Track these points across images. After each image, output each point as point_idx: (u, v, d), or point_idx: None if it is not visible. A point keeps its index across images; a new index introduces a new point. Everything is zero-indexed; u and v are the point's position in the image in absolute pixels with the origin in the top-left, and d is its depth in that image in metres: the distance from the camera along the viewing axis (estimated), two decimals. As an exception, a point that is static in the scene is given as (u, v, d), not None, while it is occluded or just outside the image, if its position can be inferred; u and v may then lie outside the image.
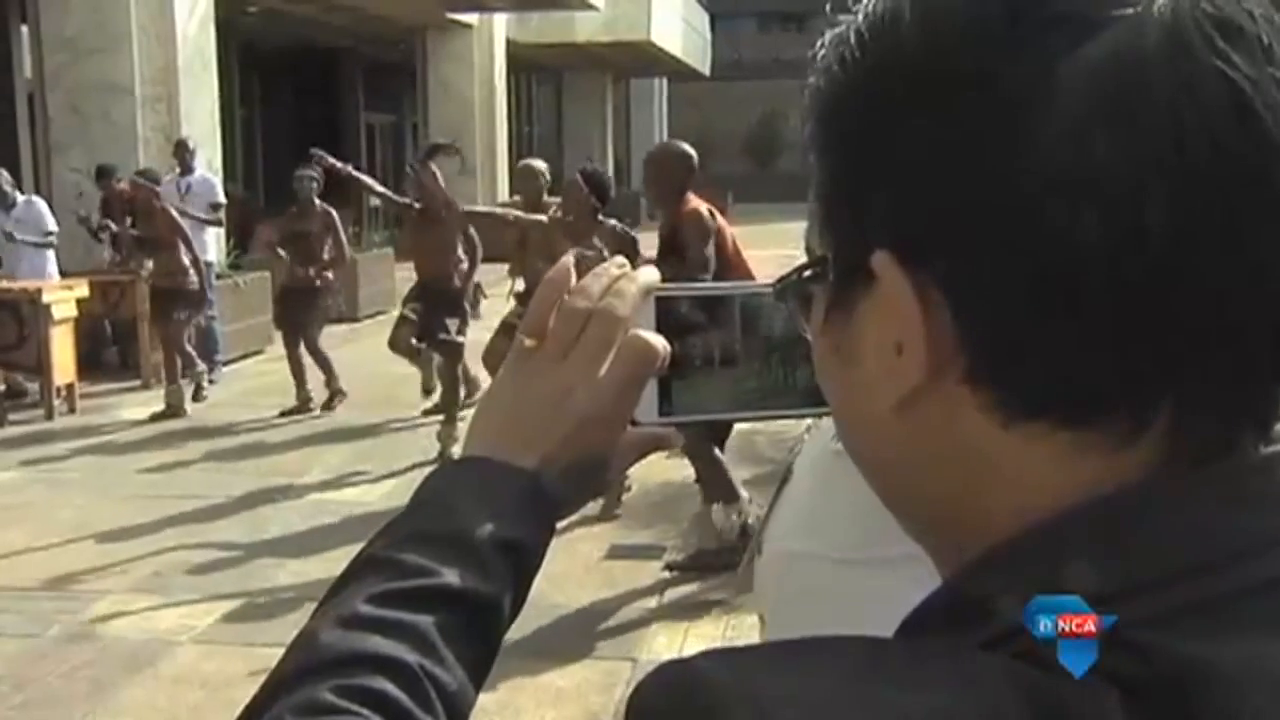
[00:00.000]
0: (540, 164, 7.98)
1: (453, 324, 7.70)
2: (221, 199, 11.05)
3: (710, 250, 5.44)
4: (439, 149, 8.36)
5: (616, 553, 5.79)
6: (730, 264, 5.47)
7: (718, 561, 5.28)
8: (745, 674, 0.49)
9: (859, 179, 0.54)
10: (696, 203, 5.63)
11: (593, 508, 6.40)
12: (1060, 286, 0.48)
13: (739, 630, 4.88)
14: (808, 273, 0.59)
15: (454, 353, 7.79)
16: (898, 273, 0.51)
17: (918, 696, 0.47)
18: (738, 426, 8.52)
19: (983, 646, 0.49)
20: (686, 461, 7.53)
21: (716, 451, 5.58)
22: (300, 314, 9.01)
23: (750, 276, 5.21)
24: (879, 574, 1.05)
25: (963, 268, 0.50)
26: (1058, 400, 0.50)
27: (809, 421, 1.39)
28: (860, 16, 0.54)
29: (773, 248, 24.29)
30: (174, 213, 9.36)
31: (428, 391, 8.64)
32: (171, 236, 9.16)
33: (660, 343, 0.74)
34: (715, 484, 5.47)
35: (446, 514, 0.71)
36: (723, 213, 6.00)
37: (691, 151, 5.78)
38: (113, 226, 10.28)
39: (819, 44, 0.57)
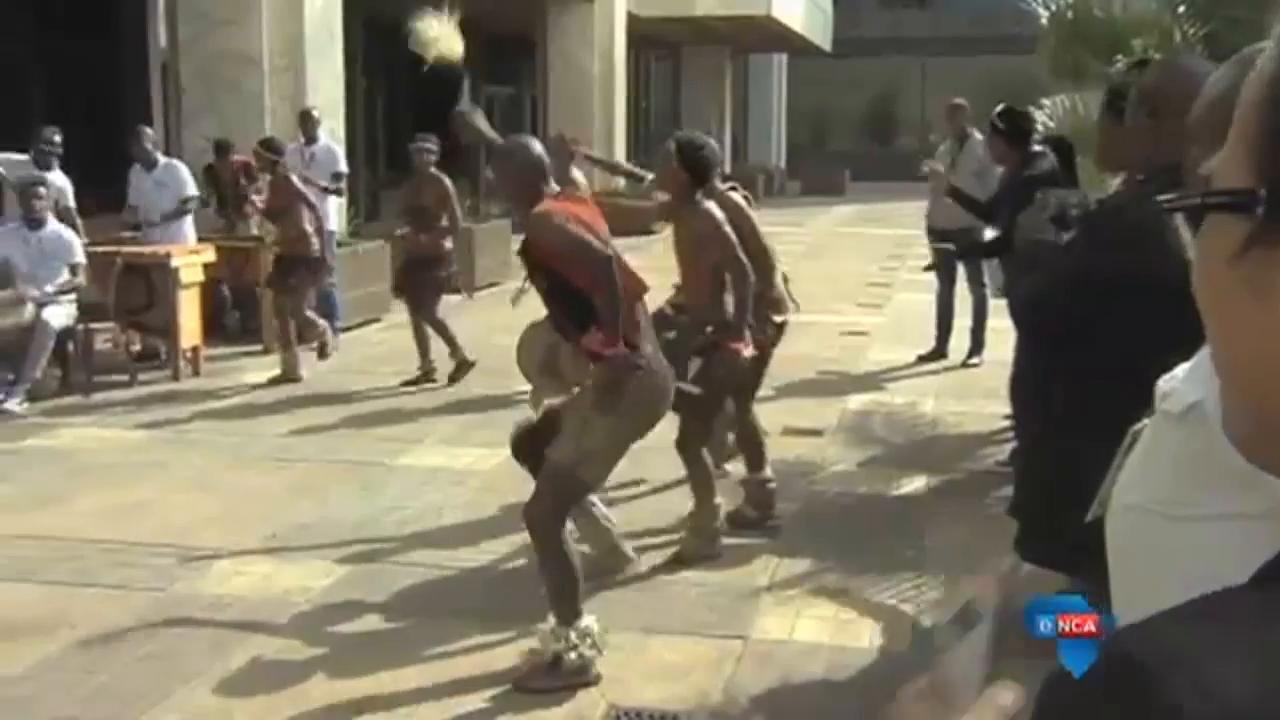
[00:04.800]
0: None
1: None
2: (344, 168, 11.24)
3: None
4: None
5: (727, 530, 5.74)
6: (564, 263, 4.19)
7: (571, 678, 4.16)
8: (1171, 648, 0.53)
9: None
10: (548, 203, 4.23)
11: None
12: None
13: (851, 610, 4.83)
14: (1216, 199, 0.61)
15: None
16: None
17: None
18: (851, 407, 8.46)
19: None
20: (794, 441, 7.50)
21: None
22: (421, 283, 9.10)
23: (620, 286, 4.11)
24: (1193, 530, 1.12)
25: None
26: None
27: (1163, 388, 1.48)
28: None
29: (891, 227, 23.83)
30: (295, 180, 9.53)
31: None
32: (291, 203, 9.31)
33: None
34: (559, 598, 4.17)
35: None
36: (746, 201, 5.77)
37: (536, 150, 4.38)
38: (249, 195, 10.65)
39: None
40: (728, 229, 5.31)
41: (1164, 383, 1.38)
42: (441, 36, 5.90)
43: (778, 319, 6.01)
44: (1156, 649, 0.53)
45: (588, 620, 4.17)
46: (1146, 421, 1.49)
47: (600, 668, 4.24)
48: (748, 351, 5.39)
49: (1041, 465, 3.11)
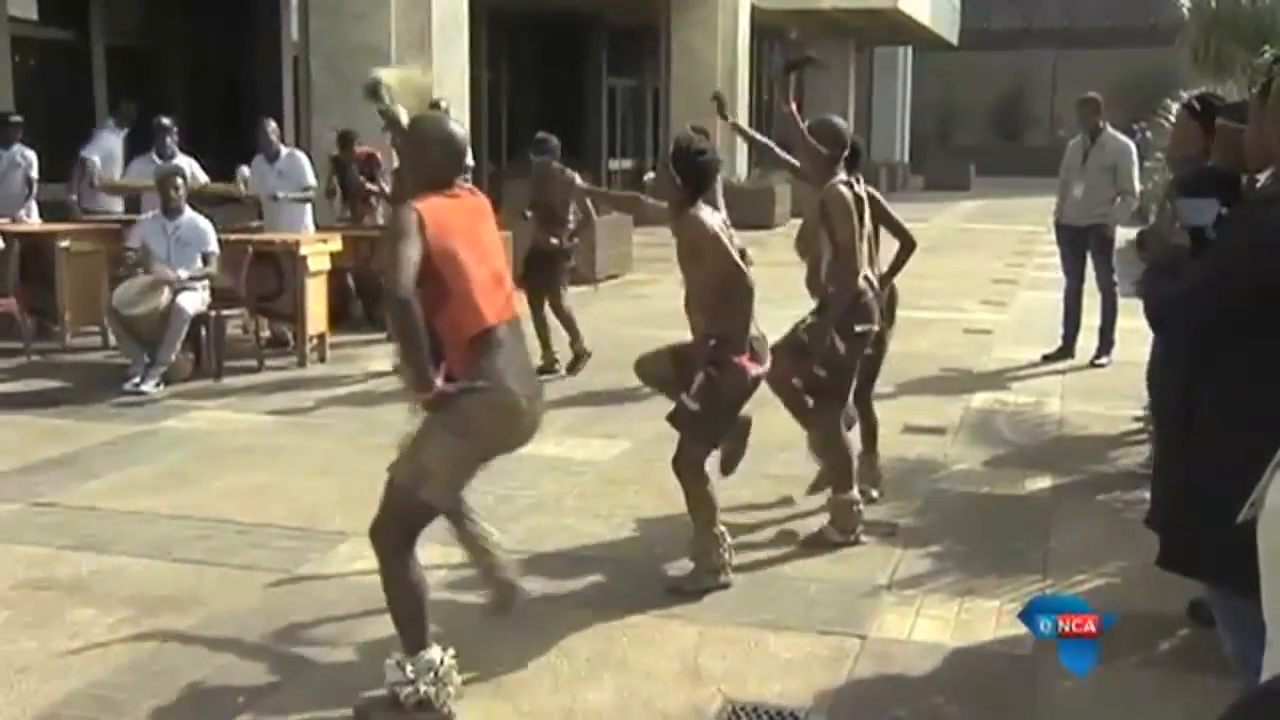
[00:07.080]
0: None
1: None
2: (470, 161, 11.36)
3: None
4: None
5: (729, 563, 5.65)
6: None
7: None
8: None
9: None
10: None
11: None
12: None
13: (972, 612, 4.75)
14: None
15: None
16: None
17: None
18: (973, 405, 8.31)
19: None
20: (916, 439, 7.40)
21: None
22: (546, 277, 9.17)
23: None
24: None
25: None
26: None
27: None
28: None
29: (1017, 223, 23.51)
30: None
31: None
32: None
33: None
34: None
35: None
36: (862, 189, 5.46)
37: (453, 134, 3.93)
38: (372, 185, 10.91)
39: None
40: (723, 238, 4.87)
41: None
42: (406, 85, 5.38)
43: (859, 328, 5.47)
44: None
45: (432, 653, 3.79)
46: None
47: (718, 662, 4.23)
48: (755, 369, 4.89)
49: (1186, 470, 3.01)
